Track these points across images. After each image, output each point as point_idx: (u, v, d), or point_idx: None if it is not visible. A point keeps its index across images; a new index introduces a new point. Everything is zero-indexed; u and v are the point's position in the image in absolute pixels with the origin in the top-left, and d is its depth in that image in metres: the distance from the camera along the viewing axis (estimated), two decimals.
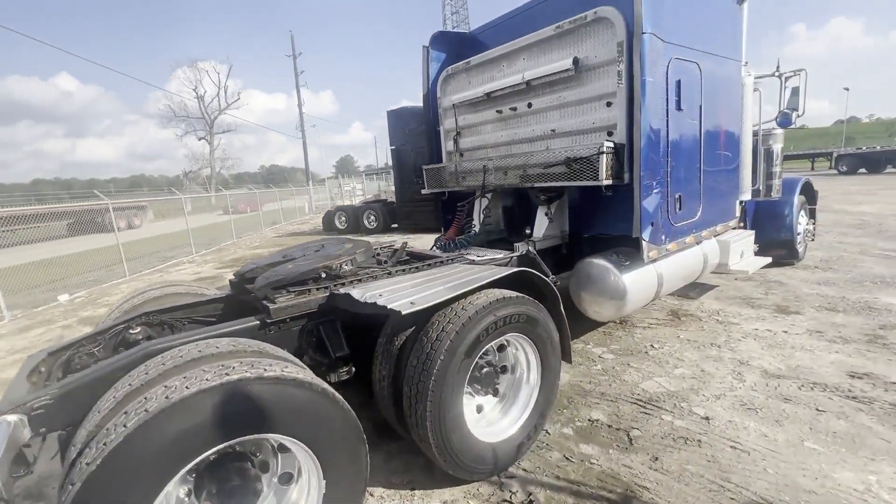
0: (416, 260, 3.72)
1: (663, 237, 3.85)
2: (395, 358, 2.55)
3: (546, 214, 4.22)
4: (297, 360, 2.32)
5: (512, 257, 3.92)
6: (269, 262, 3.24)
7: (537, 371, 2.90)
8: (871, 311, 4.83)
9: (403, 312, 2.19)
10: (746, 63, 4.93)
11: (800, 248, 6.85)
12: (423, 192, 5.42)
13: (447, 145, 5.37)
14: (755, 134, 5.49)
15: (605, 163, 3.45)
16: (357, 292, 2.54)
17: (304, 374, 1.93)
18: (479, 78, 4.79)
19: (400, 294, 2.46)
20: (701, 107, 4.11)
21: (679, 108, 3.81)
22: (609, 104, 3.70)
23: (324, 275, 2.83)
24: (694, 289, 6.05)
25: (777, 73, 5.67)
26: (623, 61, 3.46)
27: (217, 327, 2.54)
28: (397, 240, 4.72)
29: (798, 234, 6.71)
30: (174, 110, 50.30)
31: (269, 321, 2.54)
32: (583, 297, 4.17)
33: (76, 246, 15.68)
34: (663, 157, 3.70)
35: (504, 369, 2.98)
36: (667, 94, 3.66)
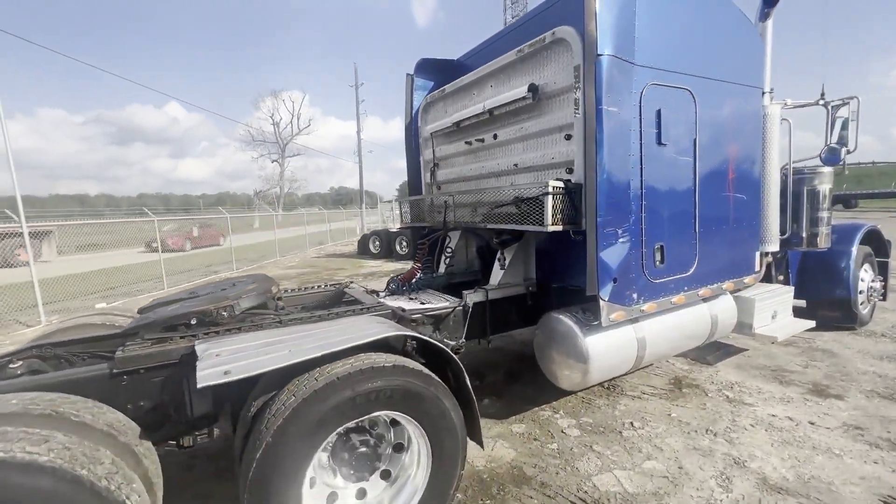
0: (344, 304, 3.36)
1: (635, 296, 3.18)
2: (247, 431, 2.17)
3: (499, 260, 3.70)
4: (116, 425, 2.02)
5: (455, 307, 3.43)
6: (171, 298, 3.03)
7: (427, 459, 2.37)
8: None
9: (199, 385, 1.82)
10: (772, 90, 4.16)
11: (862, 310, 5.61)
12: (401, 225, 5.09)
13: (425, 177, 5.03)
14: (787, 173, 4.61)
15: (550, 205, 2.92)
16: (202, 347, 2.22)
17: (59, 457, 1.60)
18: (453, 106, 4.44)
19: (243, 355, 2.10)
20: (696, 141, 3.44)
21: (660, 142, 3.19)
22: (568, 137, 3.18)
23: (194, 321, 2.54)
24: (714, 351, 5.10)
25: (822, 102, 4.77)
26: (580, 88, 2.94)
27: (67, 373, 2.32)
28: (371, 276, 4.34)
29: (859, 292, 5.52)
30: (252, 136, 54.87)
31: (114, 371, 2.28)
32: (542, 358, 3.57)
33: (140, 258, 17.07)
34: (634, 199, 3.08)
35: (400, 447, 2.49)
36: (640, 126, 3.08)
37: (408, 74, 5.05)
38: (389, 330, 2.34)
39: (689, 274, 3.52)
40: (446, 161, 4.73)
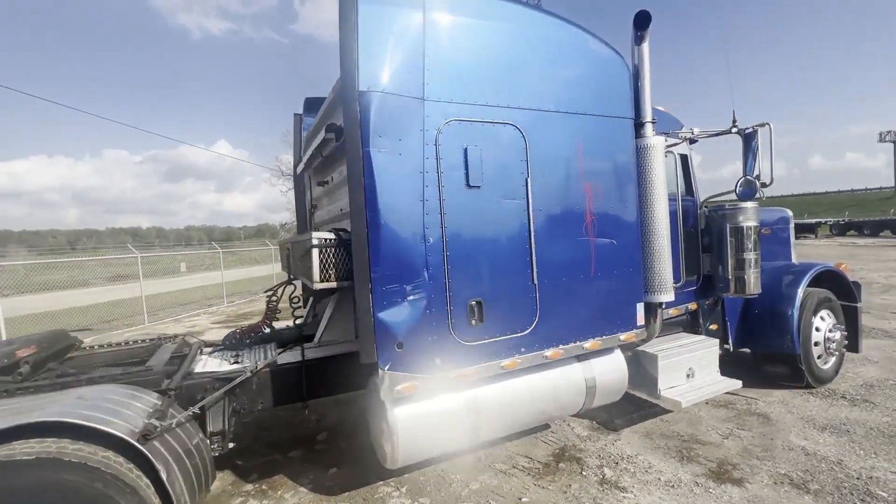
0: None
1: (438, 361, 2.73)
2: None
3: (315, 314, 3.35)
4: None
5: (258, 370, 3.07)
6: None
7: None
8: (864, 500, 2.95)
9: None
10: (655, 121, 3.68)
11: (820, 365, 4.79)
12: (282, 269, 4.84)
13: (308, 218, 4.80)
14: (679, 208, 4.07)
15: (318, 259, 2.58)
16: None
17: None
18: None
19: None
20: (528, 181, 3.02)
21: (470, 184, 2.81)
22: None
23: None
24: (631, 412, 4.42)
25: (735, 129, 4.22)
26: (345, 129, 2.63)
27: None
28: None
29: (814, 344, 4.72)
30: (282, 170, 57.27)
31: None
32: (368, 429, 3.15)
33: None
34: (433, 251, 2.69)
35: None
36: (438, 168, 2.72)
37: (295, 114, 4.92)
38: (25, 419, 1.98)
39: (525, 333, 3.03)
40: (319, 202, 4.49)
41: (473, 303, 2.83)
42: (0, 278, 12.89)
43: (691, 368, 4.12)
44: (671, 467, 3.47)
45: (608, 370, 3.59)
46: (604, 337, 3.39)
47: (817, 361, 4.77)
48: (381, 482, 3.49)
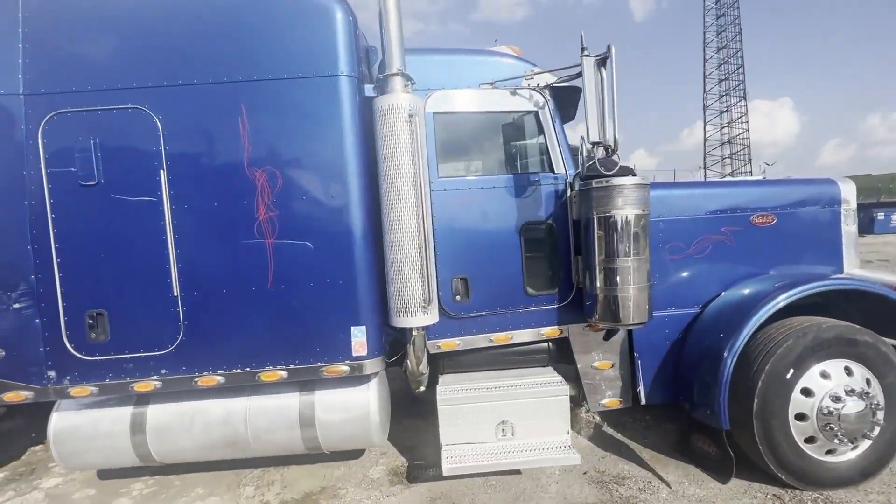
0: None
1: (52, 373, 2.58)
2: None
3: None
4: None
5: None
6: None
7: None
8: None
9: None
10: (402, 73, 2.59)
11: (814, 455, 2.75)
12: None
13: None
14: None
15: None
16: None
17: None
18: None
19: None
20: (164, 175, 2.52)
21: (83, 182, 2.51)
22: None
23: None
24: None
25: (588, 57, 2.63)
26: None
27: None
28: None
29: (794, 417, 2.72)
30: None
31: None
32: None
33: None
34: (39, 257, 2.53)
35: None
36: (43, 167, 2.50)
37: None
38: None
39: (167, 352, 2.59)
40: None
41: (95, 314, 2.56)
42: None
43: (506, 422, 2.89)
44: None
45: (339, 409, 2.81)
46: (291, 367, 2.64)
47: (804, 447, 2.74)
48: (143, 479, 3.51)
